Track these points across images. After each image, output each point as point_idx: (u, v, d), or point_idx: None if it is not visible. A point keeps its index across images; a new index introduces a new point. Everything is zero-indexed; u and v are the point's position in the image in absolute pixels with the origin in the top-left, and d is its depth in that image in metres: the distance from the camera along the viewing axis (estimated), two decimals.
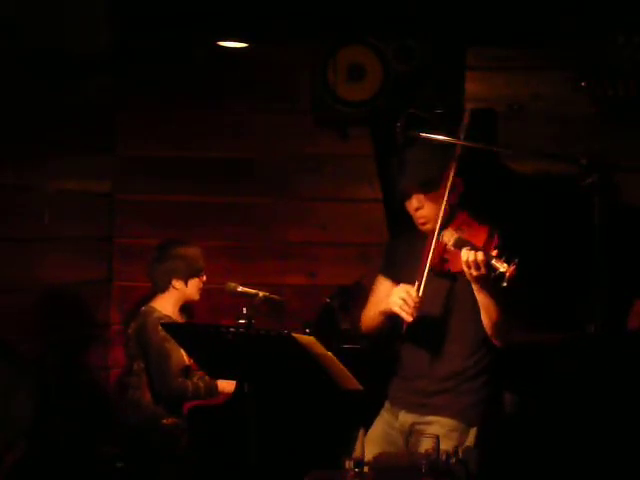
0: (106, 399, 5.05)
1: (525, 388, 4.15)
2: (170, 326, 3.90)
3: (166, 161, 5.25)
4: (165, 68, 5.17)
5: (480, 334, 3.45)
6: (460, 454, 3.22)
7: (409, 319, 3.36)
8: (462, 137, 3.42)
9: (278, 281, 5.12)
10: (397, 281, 3.55)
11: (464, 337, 3.48)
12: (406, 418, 3.54)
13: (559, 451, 4.02)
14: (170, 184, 5.24)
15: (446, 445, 3.29)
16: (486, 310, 3.38)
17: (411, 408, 3.53)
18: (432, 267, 3.40)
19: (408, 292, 3.36)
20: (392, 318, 3.47)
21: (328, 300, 4.77)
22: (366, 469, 3.10)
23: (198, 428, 4.40)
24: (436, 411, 3.47)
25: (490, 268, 3.17)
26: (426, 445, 3.21)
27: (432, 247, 3.40)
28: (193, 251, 4.62)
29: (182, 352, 4.33)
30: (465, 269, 3.24)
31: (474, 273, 3.22)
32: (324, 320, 4.74)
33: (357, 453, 3.12)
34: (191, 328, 3.89)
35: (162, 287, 4.58)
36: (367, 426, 3.50)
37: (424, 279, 3.38)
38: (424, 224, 3.50)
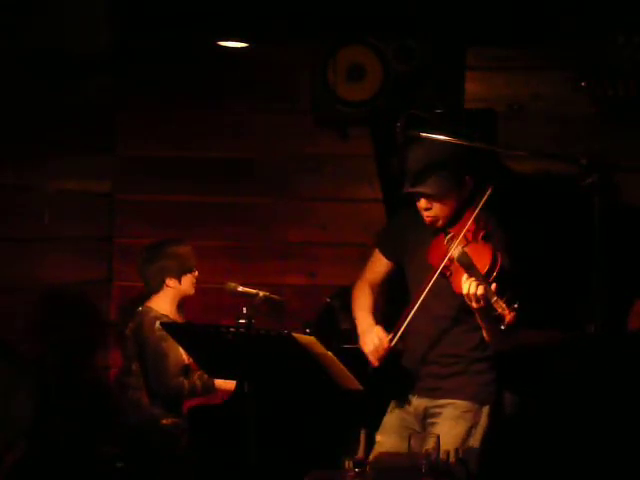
0: (106, 399, 5.05)
1: (525, 388, 4.15)
2: (169, 326, 3.90)
3: (166, 161, 5.25)
4: (165, 68, 5.17)
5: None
6: (460, 454, 3.22)
7: (375, 364, 3.49)
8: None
9: (278, 281, 5.12)
10: (394, 260, 3.66)
11: (471, 326, 3.48)
12: (419, 402, 3.57)
13: (559, 451, 4.02)
14: (170, 184, 5.24)
15: (461, 427, 3.44)
16: (484, 330, 3.42)
17: (423, 392, 3.57)
18: (434, 268, 3.42)
19: (381, 340, 3.47)
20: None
21: (328, 300, 4.77)
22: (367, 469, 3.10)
23: (198, 428, 4.40)
24: (449, 394, 3.51)
25: (490, 306, 3.17)
26: (427, 444, 3.22)
27: (431, 282, 3.41)
28: (183, 249, 4.61)
29: (181, 351, 4.33)
30: (466, 299, 3.25)
31: (474, 305, 3.23)
32: (324, 320, 4.74)
33: (359, 453, 3.13)
34: (191, 328, 3.89)
35: (156, 288, 4.57)
36: (367, 426, 3.50)
37: (403, 327, 3.45)
38: (432, 222, 3.52)
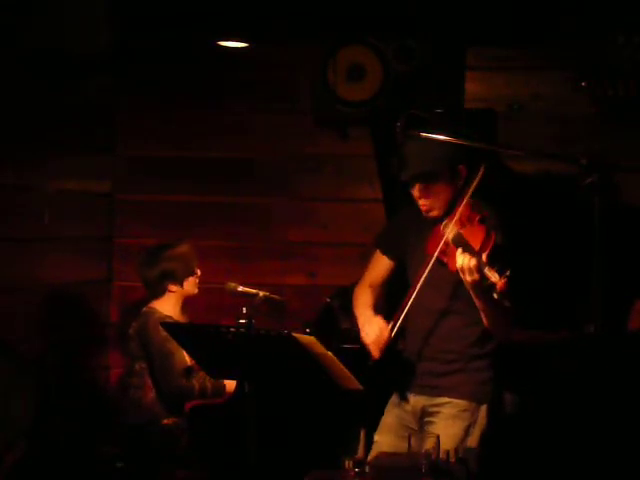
0: (106, 399, 5.05)
1: (525, 388, 4.15)
2: (170, 326, 3.90)
3: (166, 161, 5.25)
4: (165, 68, 5.17)
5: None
6: (460, 454, 3.23)
7: (376, 355, 3.50)
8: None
9: (278, 281, 5.12)
10: (395, 258, 3.68)
11: (470, 320, 3.49)
12: (417, 400, 3.57)
13: (559, 451, 4.02)
14: (170, 184, 5.24)
15: (459, 426, 3.44)
16: (483, 313, 3.41)
17: (421, 390, 3.57)
18: (430, 255, 3.45)
19: (382, 331, 3.49)
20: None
21: (328, 300, 4.77)
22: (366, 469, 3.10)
23: (198, 428, 4.40)
24: (447, 392, 3.51)
25: (482, 276, 3.19)
26: (427, 444, 3.22)
27: (428, 269, 3.43)
28: (183, 250, 4.59)
29: (184, 352, 4.33)
30: (460, 273, 3.26)
31: (467, 278, 3.24)
32: (324, 320, 4.74)
33: (358, 453, 3.13)
34: (191, 328, 3.89)
35: (159, 293, 4.56)
36: (367, 426, 3.50)
37: (402, 316, 3.47)
38: (428, 211, 3.54)
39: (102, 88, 5.09)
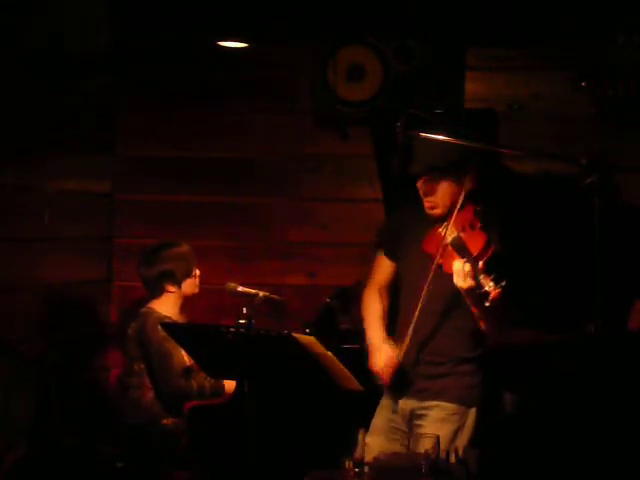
0: (106, 399, 5.05)
1: (525, 388, 4.15)
2: (170, 326, 3.90)
3: (166, 161, 5.25)
4: (165, 68, 5.17)
5: (476, 324, 3.48)
6: (460, 454, 3.23)
7: (387, 382, 3.52)
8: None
9: (278, 281, 5.12)
10: (395, 259, 3.67)
11: (461, 324, 3.49)
12: (406, 403, 3.57)
13: (559, 451, 4.02)
14: (170, 184, 5.24)
15: (448, 429, 3.43)
16: (476, 317, 3.42)
17: (410, 393, 3.56)
18: (429, 254, 3.45)
19: (390, 360, 3.49)
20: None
21: (328, 300, 4.77)
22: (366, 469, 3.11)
23: (198, 428, 4.40)
24: (436, 396, 3.51)
25: (477, 282, 3.19)
26: (426, 445, 3.22)
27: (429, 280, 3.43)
28: (182, 251, 4.59)
29: (183, 352, 4.33)
30: (454, 275, 3.26)
31: (461, 283, 3.25)
32: (324, 320, 4.74)
33: (357, 453, 3.13)
34: (191, 328, 3.89)
35: (157, 293, 4.56)
36: (367, 426, 3.51)
37: (408, 342, 3.47)
38: (432, 209, 3.53)
39: (102, 88, 5.09)
